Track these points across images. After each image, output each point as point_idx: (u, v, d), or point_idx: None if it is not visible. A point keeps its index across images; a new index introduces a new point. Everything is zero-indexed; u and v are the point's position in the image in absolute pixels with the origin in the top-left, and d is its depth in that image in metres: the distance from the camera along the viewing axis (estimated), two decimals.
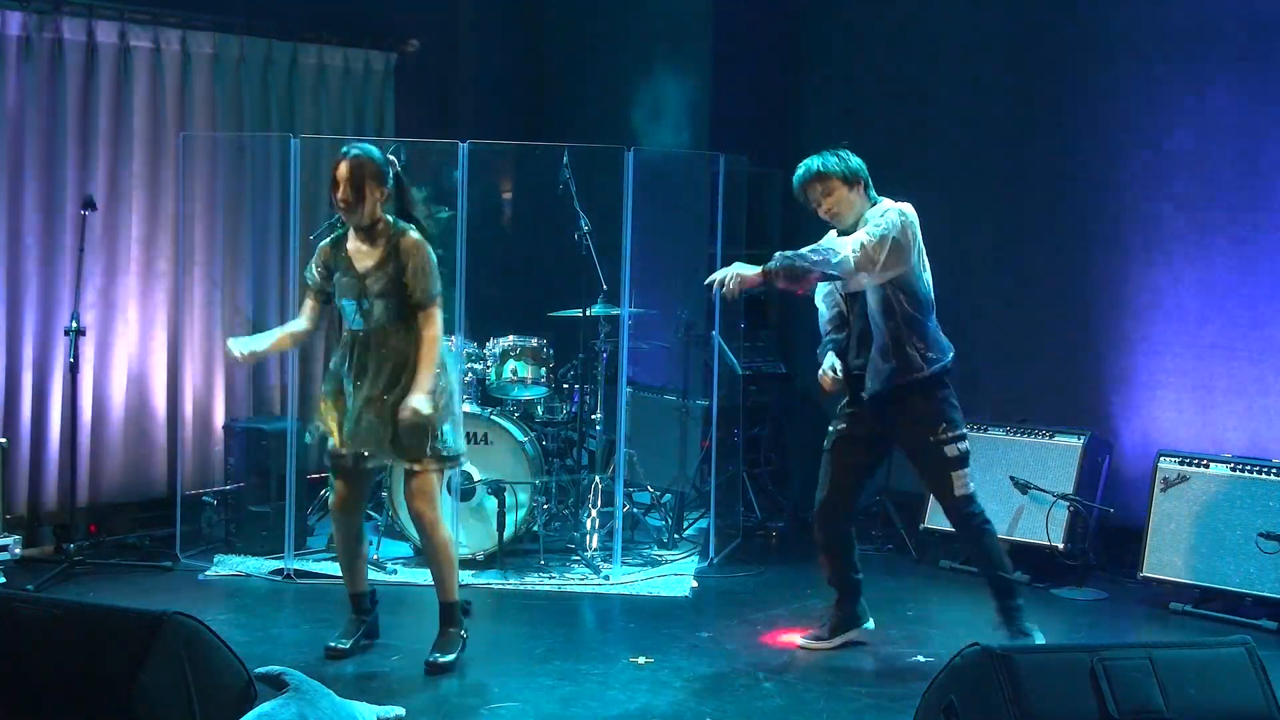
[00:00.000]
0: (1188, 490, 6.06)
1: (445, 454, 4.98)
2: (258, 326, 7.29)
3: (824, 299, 5.34)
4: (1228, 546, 5.88)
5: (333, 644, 5.12)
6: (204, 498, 6.82)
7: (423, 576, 6.14)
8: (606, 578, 6.30)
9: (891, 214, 4.99)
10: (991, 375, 7.09)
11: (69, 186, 6.57)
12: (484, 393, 6.67)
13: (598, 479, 6.68)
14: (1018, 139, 7.14)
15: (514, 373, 6.67)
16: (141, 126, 6.82)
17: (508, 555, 6.40)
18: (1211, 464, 6.04)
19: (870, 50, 7.80)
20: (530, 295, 7.85)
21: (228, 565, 6.39)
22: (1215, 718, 3.55)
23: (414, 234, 4.96)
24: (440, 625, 5.10)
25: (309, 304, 5.13)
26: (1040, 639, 5.06)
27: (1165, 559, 6.05)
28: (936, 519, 6.68)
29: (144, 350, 6.93)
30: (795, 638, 5.45)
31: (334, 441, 5.02)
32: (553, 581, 6.24)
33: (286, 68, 7.35)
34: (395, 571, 6.28)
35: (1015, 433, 6.66)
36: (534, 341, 6.72)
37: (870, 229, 4.95)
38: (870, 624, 5.43)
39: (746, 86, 8.00)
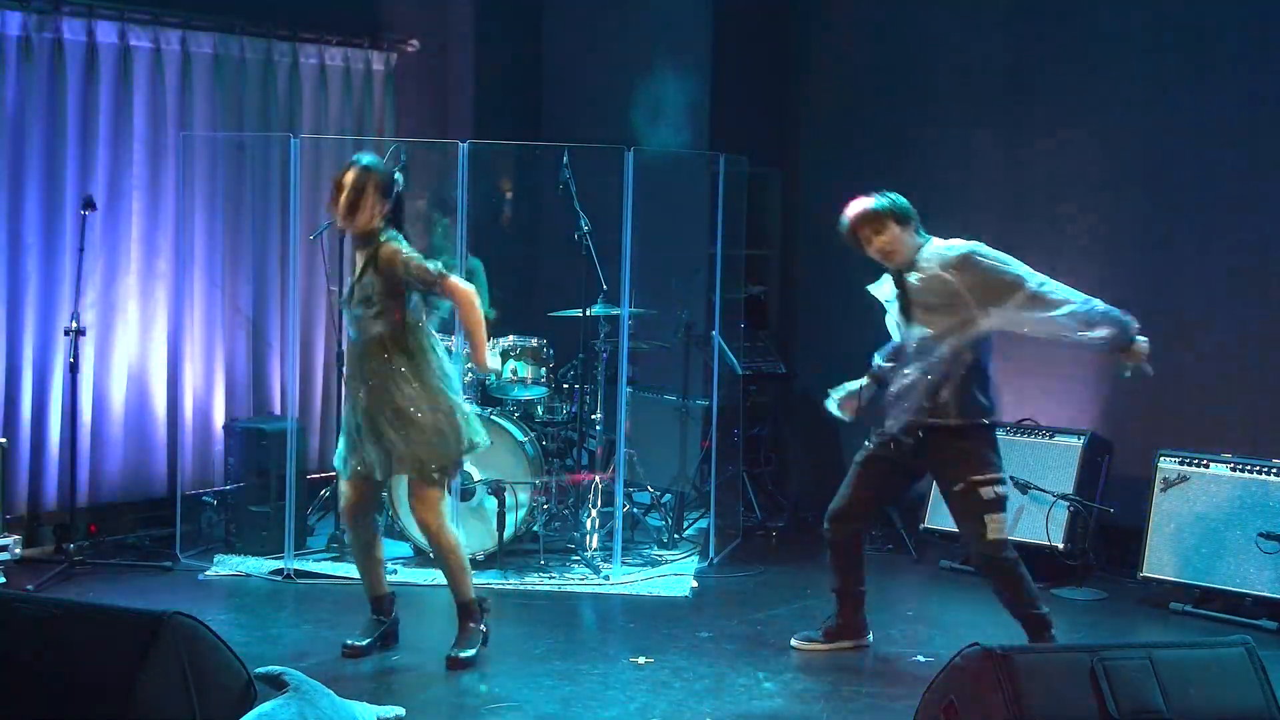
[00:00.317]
0: (1188, 490, 6.06)
1: (447, 465, 5.01)
2: (258, 327, 7.32)
3: (895, 326, 5.26)
4: (1228, 546, 5.88)
5: (350, 641, 5.15)
6: (204, 498, 6.83)
7: (423, 576, 6.17)
8: (606, 578, 6.30)
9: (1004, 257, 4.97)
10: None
11: (69, 186, 6.57)
12: (484, 393, 6.67)
13: (598, 479, 6.68)
14: (1016, 138, 7.15)
15: (514, 373, 6.67)
16: (141, 126, 6.82)
17: (508, 555, 6.41)
18: (1211, 464, 6.04)
19: (869, 50, 7.80)
20: (530, 295, 7.85)
21: (228, 565, 6.39)
22: (1215, 718, 3.55)
23: (392, 242, 4.91)
24: (459, 621, 5.14)
25: None
26: None
27: (1165, 559, 6.05)
28: (936, 519, 6.69)
29: (144, 350, 6.93)
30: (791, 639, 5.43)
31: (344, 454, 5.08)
32: (553, 581, 6.24)
33: (286, 68, 7.35)
34: (395, 571, 6.26)
35: (1015, 433, 6.66)
36: (534, 341, 6.73)
37: (1038, 280, 4.95)
38: (870, 638, 5.42)
39: (746, 86, 8.00)
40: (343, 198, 4.88)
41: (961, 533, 5.15)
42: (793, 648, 5.35)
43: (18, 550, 6.09)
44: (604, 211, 6.46)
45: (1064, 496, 6.39)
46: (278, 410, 7.30)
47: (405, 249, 4.90)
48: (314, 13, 7.52)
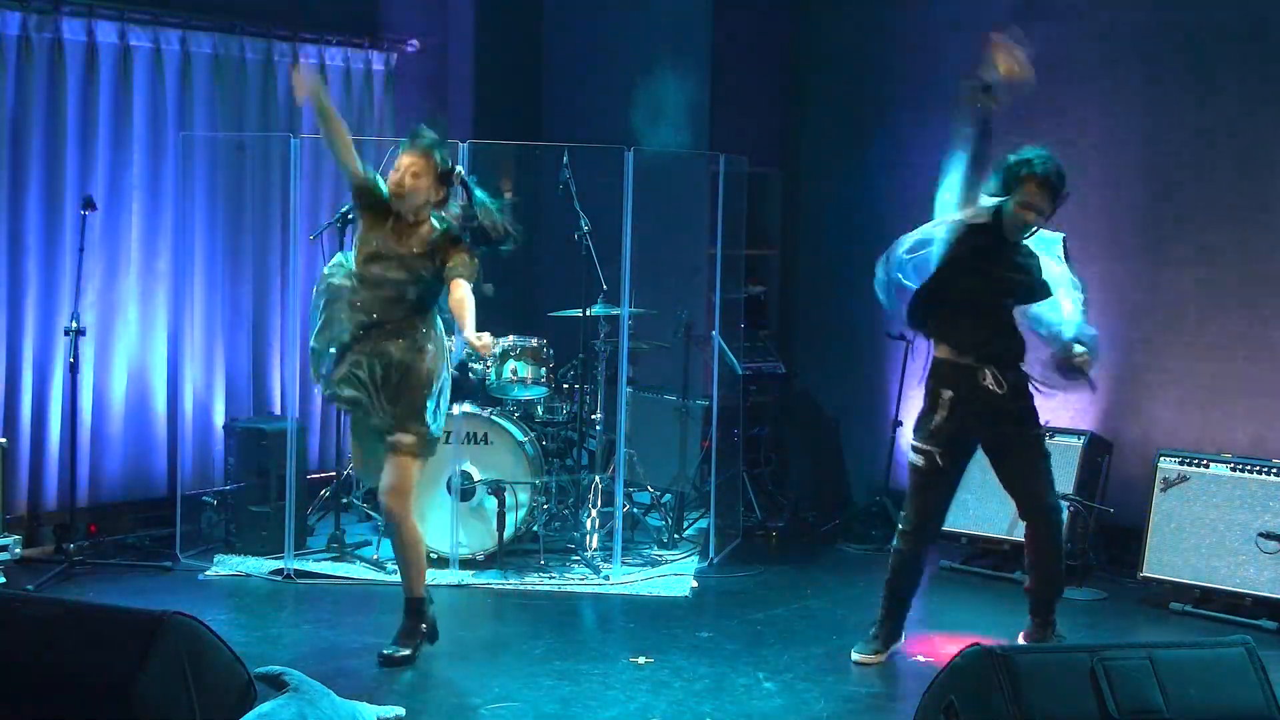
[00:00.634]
0: (1188, 490, 6.06)
1: (429, 436, 4.99)
2: (258, 327, 7.32)
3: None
4: (1228, 546, 5.88)
5: (386, 652, 5.04)
6: (204, 498, 6.82)
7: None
8: (606, 578, 6.30)
9: None
10: None
11: (69, 187, 6.56)
12: (484, 393, 6.67)
13: (598, 479, 6.68)
14: (1017, 138, 7.13)
15: (514, 373, 6.67)
16: (141, 126, 6.82)
17: (508, 555, 6.40)
18: (1211, 464, 6.04)
19: (870, 50, 7.79)
20: (530, 295, 7.85)
21: (228, 565, 6.38)
22: (1215, 718, 3.55)
23: (467, 251, 4.95)
24: (404, 619, 5.09)
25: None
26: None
27: (1165, 559, 6.05)
28: None
29: (144, 350, 6.92)
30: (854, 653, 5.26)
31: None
32: (553, 581, 6.24)
33: (286, 68, 7.34)
34: (395, 572, 6.26)
35: None
36: (534, 341, 6.72)
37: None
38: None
39: (746, 86, 8.00)
40: (398, 178, 4.88)
41: (1028, 490, 5.11)
42: (857, 663, 5.20)
43: (18, 550, 6.09)
44: (604, 211, 6.46)
45: (1064, 496, 6.37)
46: (278, 410, 7.29)
47: (475, 262, 4.94)
48: (314, 13, 7.52)
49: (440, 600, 5.41)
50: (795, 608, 5.98)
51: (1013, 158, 4.99)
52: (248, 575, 6.26)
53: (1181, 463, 6.12)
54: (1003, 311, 5.06)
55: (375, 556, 6.35)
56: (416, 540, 5.09)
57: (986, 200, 4.98)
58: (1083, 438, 6.55)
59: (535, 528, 6.52)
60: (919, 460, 5.06)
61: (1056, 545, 5.18)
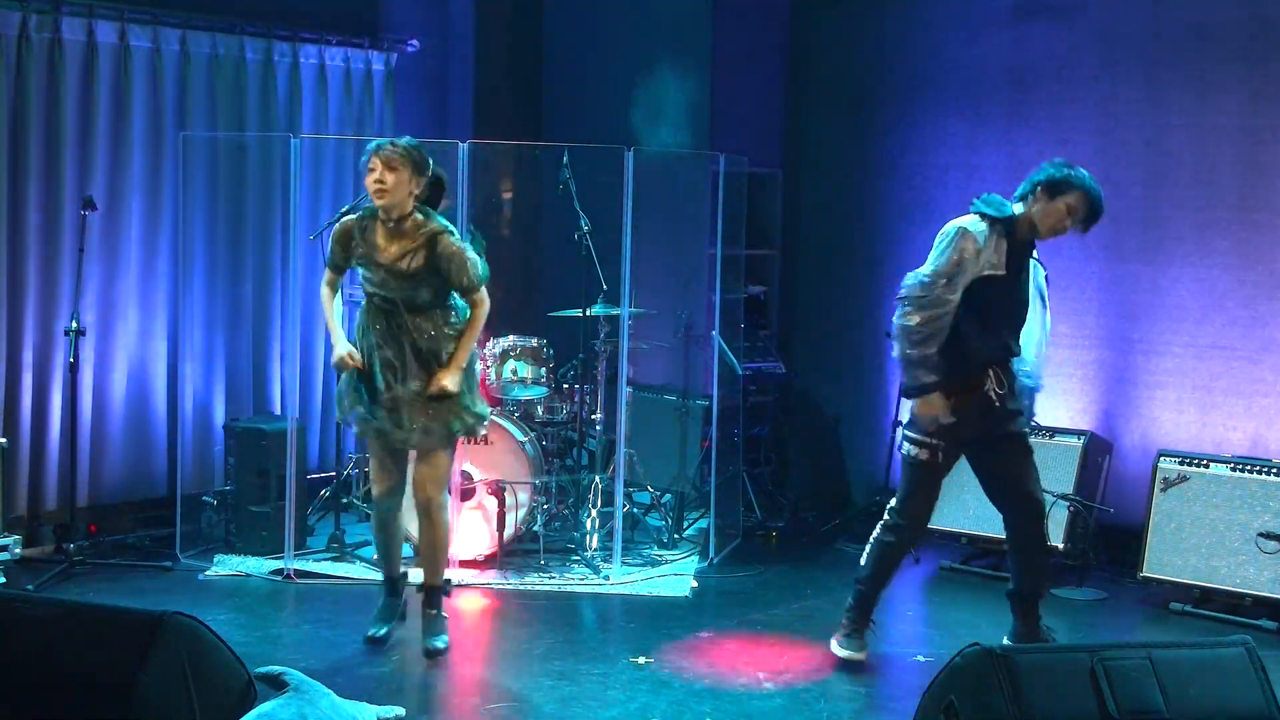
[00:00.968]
0: (1188, 490, 6.06)
1: (468, 424, 5.14)
2: (258, 327, 7.31)
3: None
4: (1228, 546, 5.89)
5: (372, 633, 5.26)
6: (204, 498, 6.82)
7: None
8: (606, 578, 6.30)
9: None
10: None
11: (69, 187, 6.56)
12: (484, 393, 6.66)
13: (598, 479, 6.68)
14: (1017, 138, 7.14)
15: (514, 373, 6.67)
16: (141, 126, 6.82)
17: (508, 555, 6.40)
18: (1211, 464, 6.04)
19: (870, 50, 7.79)
20: (530, 295, 7.85)
21: (228, 565, 6.39)
22: (1215, 718, 3.55)
23: (451, 238, 5.03)
24: (426, 609, 5.22)
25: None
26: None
27: (1165, 559, 6.05)
28: (936, 519, 6.66)
29: (144, 350, 6.92)
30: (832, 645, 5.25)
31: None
32: (553, 581, 6.24)
33: (286, 68, 7.35)
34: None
35: None
36: (534, 341, 6.73)
37: None
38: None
39: (746, 86, 8.00)
40: (376, 175, 4.94)
41: (1025, 491, 5.12)
42: (845, 658, 5.20)
43: (18, 550, 6.09)
44: (604, 211, 6.46)
45: (1064, 496, 6.39)
46: (278, 410, 7.29)
47: (469, 250, 5.03)
48: (314, 13, 7.52)
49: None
50: (795, 608, 5.98)
51: (1064, 167, 4.96)
52: (248, 575, 6.26)
53: (1181, 463, 6.12)
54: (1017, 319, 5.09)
55: (376, 557, 6.34)
56: (449, 528, 5.30)
57: (1006, 208, 4.97)
58: (1083, 438, 6.55)
59: (535, 528, 6.52)
60: (921, 454, 5.04)
61: (1047, 539, 5.28)
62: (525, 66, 8.59)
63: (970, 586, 6.45)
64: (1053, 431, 6.63)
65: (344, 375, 5.16)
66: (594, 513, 6.62)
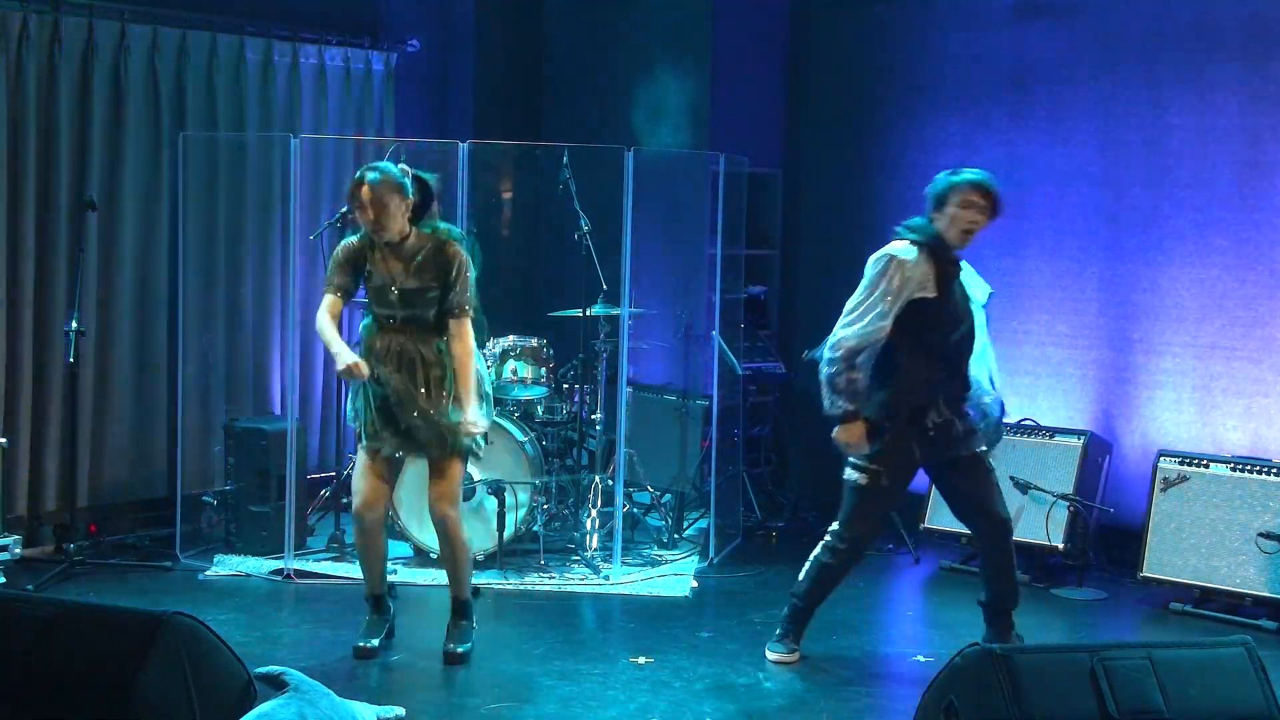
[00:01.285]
0: (1188, 490, 6.06)
1: (474, 447, 5.11)
2: (258, 327, 7.32)
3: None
4: (1228, 546, 5.88)
5: (361, 643, 5.15)
6: (204, 498, 6.82)
7: (423, 576, 6.17)
8: (606, 578, 6.30)
9: None
10: None
11: (68, 187, 6.56)
12: None
13: (598, 479, 6.68)
14: (1017, 138, 7.15)
15: (514, 373, 6.67)
16: (141, 127, 6.82)
17: (508, 555, 6.40)
18: (1211, 464, 6.04)
19: (870, 50, 7.80)
20: (530, 295, 7.86)
21: (228, 565, 6.39)
22: (1215, 718, 3.55)
23: (460, 247, 5.03)
24: (453, 618, 5.20)
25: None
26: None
27: (1165, 559, 6.05)
28: (936, 519, 6.70)
29: (144, 350, 6.92)
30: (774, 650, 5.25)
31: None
32: (553, 581, 6.24)
33: (286, 68, 7.35)
34: (395, 571, 6.26)
35: (1015, 433, 6.66)
36: (534, 341, 6.73)
37: None
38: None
39: (746, 86, 8.00)
40: (370, 216, 4.93)
41: (989, 510, 5.05)
42: (775, 662, 5.19)
43: (18, 550, 6.09)
44: (604, 211, 6.46)
45: (1064, 496, 6.39)
46: (278, 410, 7.29)
47: (470, 265, 5.03)
48: (314, 13, 7.52)
49: (441, 600, 5.41)
50: None
51: (945, 176, 4.95)
52: (248, 575, 6.26)
53: (1181, 463, 6.12)
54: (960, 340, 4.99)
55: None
56: (467, 542, 5.20)
57: (929, 229, 4.93)
58: (1083, 438, 6.54)
59: (535, 528, 6.52)
60: (861, 479, 4.97)
61: (1014, 557, 5.16)
62: (525, 66, 8.59)
63: (970, 586, 6.42)
64: (1053, 431, 6.63)
65: (354, 385, 5.14)
66: (594, 513, 6.62)
